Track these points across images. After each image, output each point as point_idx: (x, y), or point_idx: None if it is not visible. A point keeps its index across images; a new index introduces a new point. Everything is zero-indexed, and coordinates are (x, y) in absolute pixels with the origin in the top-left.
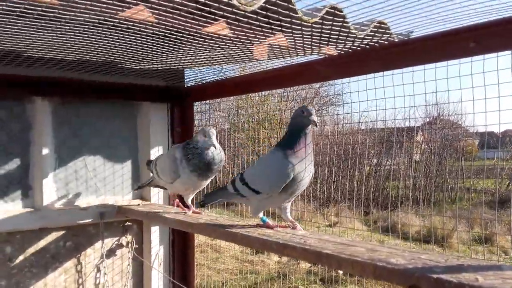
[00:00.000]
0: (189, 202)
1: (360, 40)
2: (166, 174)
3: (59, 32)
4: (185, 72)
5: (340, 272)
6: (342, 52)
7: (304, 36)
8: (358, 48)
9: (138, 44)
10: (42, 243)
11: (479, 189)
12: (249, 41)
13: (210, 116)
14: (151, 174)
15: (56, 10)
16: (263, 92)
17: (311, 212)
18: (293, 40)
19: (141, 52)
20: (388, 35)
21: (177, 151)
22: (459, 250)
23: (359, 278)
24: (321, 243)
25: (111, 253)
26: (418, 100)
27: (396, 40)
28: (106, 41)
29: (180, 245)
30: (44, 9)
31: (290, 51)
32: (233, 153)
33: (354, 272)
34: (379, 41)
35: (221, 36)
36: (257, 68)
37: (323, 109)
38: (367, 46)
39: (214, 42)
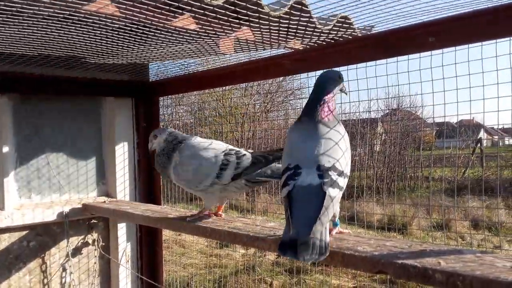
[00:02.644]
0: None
1: (326, 34)
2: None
3: (20, 27)
4: (149, 67)
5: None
6: (308, 46)
7: (271, 30)
8: (323, 43)
9: (102, 38)
10: (4, 243)
11: (437, 178)
12: (216, 35)
13: (173, 110)
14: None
15: (18, 5)
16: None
17: (277, 204)
18: (260, 34)
19: (105, 47)
20: (352, 30)
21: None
22: (419, 237)
23: (324, 267)
24: None
25: (76, 251)
26: (379, 92)
27: (359, 34)
28: (70, 36)
29: (148, 242)
30: (5, 3)
31: (257, 45)
32: None
33: (324, 261)
34: (343, 35)
35: (188, 31)
36: (223, 62)
37: (286, 102)
38: (332, 41)
39: (181, 36)
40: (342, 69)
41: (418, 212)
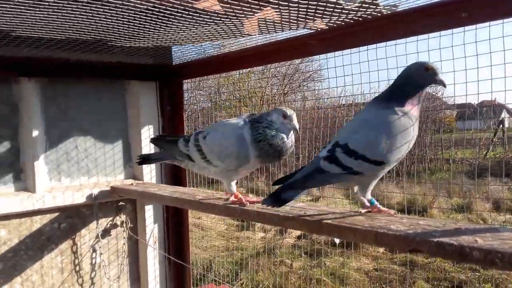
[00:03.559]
0: (234, 189)
1: (347, 13)
2: (230, 159)
3: (50, 10)
4: (172, 51)
5: (337, 241)
6: (332, 26)
7: (299, 8)
8: (349, 21)
9: (130, 20)
10: (36, 225)
11: (458, 160)
12: (240, 16)
13: (191, 95)
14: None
15: None
16: (244, 70)
17: None
18: (287, 13)
19: (132, 29)
20: (375, 7)
21: (245, 129)
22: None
23: (344, 250)
24: (320, 214)
25: (106, 233)
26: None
27: (384, 12)
28: (98, 18)
29: (174, 223)
30: None
31: (283, 25)
32: None
33: (355, 239)
34: (367, 14)
35: (213, 12)
36: (241, 45)
37: (304, 85)
38: (360, 19)
39: (206, 18)
40: (362, 49)
41: (439, 195)
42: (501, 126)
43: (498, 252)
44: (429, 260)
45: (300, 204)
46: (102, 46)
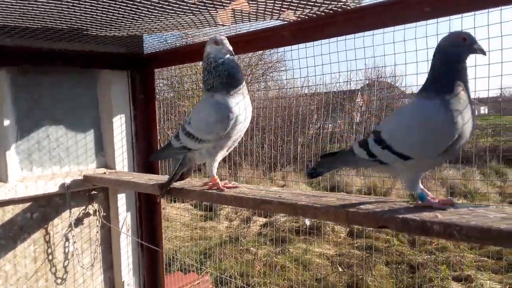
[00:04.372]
0: (215, 172)
1: (319, 6)
2: (211, 127)
3: (26, 1)
4: (144, 40)
5: (307, 222)
6: (303, 18)
7: (261, 1)
8: (320, 14)
9: (105, 8)
10: (8, 215)
11: None
12: (213, 6)
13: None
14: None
15: None
16: None
17: (259, 178)
18: (255, 5)
19: (106, 18)
20: (343, 3)
21: (217, 94)
22: None
23: (307, 237)
24: (295, 196)
25: (78, 222)
26: (358, 64)
27: (351, 6)
28: (73, 7)
29: (147, 210)
30: None
31: (257, 16)
32: (179, 121)
33: (328, 219)
34: (338, 7)
35: (186, 2)
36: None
37: (266, 74)
38: (330, 11)
39: (180, 7)
40: (332, 40)
41: (397, 181)
42: None
43: (457, 225)
44: (387, 244)
45: (275, 189)
46: (76, 35)
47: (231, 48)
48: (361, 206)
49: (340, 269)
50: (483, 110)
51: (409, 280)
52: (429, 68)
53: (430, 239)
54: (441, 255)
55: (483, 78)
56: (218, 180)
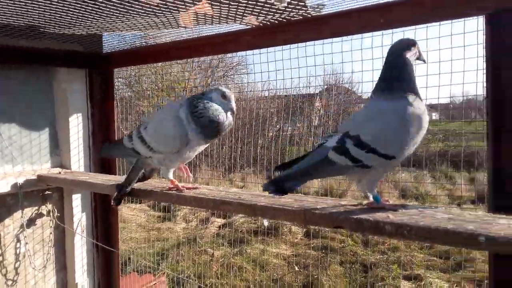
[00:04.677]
0: (171, 176)
1: (280, 12)
2: (170, 142)
3: None
4: (103, 39)
5: (265, 223)
6: (265, 24)
7: (223, 5)
8: (282, 20)
9: (64, 6)
10: None
11: None
12: (175, 9)
13: None
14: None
15: None
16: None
17: (219, 179)
18: (219, 9)
19: (66, 16)
20: (304, 9)
21: (181, 110)
22: None
23: (265, 237)
24: (254, 197)
25: (31, 222)
26: (318, 70)
27: (312, 14)
28: (32, 5)
29: (102, 211)
30: None
31: (217, 19)
32: (136, 121)
33: (286, 219)
34: (299, 14)
35: (149, 3)
36: (174, 37)
37: (227, 76)
38: (291, 18)
39: (141, 9)
40: (292, 47)
41: (352, 184)
42: None
43: (407, 226)
44: (342, 244)
45: (234, 190)
46: (33, 32)
47: (235, 107)
48: (318, 207)
49: (297, 269)
50: (435, 116)
51: (362, 280)
52: (384, 68)
53: (382, 239)
54: (393, 255)
55: (434, 87)
56: (176, 182)
